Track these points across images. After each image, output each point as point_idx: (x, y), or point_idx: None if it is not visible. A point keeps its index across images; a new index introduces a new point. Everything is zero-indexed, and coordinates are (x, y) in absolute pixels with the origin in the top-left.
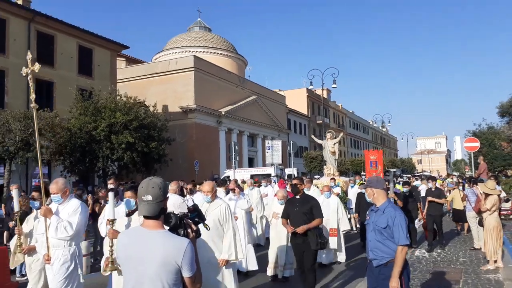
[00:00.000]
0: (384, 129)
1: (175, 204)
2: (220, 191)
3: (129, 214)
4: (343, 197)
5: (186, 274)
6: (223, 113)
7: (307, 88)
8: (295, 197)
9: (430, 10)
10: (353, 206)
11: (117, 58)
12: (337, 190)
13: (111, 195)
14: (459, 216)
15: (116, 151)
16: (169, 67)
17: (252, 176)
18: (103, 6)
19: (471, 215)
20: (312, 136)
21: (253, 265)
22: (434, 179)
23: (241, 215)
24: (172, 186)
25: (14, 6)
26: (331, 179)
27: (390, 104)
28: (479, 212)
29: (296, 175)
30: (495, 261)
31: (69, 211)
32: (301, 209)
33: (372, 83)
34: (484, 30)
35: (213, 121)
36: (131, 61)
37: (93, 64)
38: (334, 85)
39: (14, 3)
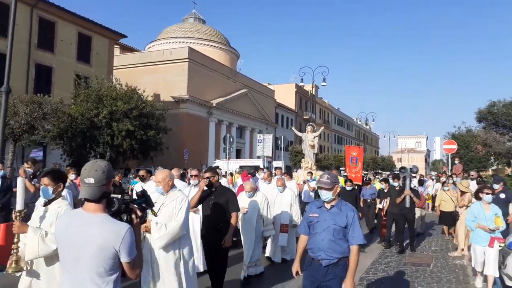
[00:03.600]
0: (367, 127)
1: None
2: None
3: (46, 203)
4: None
5: (124, 259)
6: (214, 105)
7: (296, 84)
8: (210, 191)
9: (415, 12)
10: None
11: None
12: (314, 184)
13: (20, 181)
14: (447, 219)
15: (116, 138)
16: (164, 57)
17: (241, 167)
18: None
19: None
20: (292, 128)
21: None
22: (398, 177)
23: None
24: (175, 172)
25: None
26: (308, 172)
27: (374, 103)
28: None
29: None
30: (462, 249)
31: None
32: (215, 202)
33: (359, 82)
34: (468, 34)
35: (204, 112)
36: (125, 49)
37: (91, 51)
38: (323, 83)
39: None
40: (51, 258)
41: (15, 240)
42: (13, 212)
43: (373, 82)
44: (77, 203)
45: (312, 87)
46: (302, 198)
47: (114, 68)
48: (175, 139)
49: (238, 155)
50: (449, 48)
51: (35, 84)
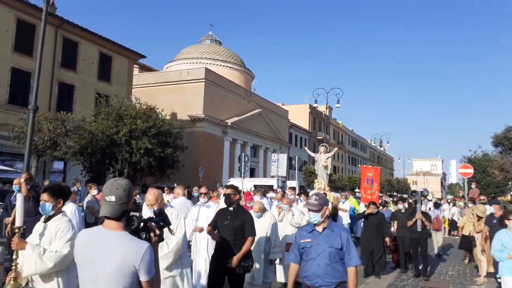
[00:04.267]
0: (381, 149)
1: (183, 206)
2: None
3: (46, 220)
4: (333, 213)
5: (143, 278)
6: (229, 124)
7: (310, 105)
8: (227, 209)
9: (431, 33)
10: (344, 222)
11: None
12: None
13: (19, 197)
14: (466, 243)
15: (135, 155)
16: (181, 77)
17: (255, 187)
18: (117, 13)
19: None
20: (305, 148)
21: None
22: (404, 200)
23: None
24: (178, 190)
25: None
26: (323, 193)
27: (389, 124)
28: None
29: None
30: (485, 276)
31: None
32: (231, 224)
33: (373, 103)
34: (487, 57)
35: (219, 131)
36: (144, 68)
37: (111, 70)
38: (338, 105)
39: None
40: (49, 275)
41: (14, 256)
42: (12, 228)
43: (388, 104)
44: (98, 219)
45: (326, 108)
46: None
47: (133, 87)
48: (191, 157)
49: (252, 174)
50: (466, 70)
51: (58, 101)
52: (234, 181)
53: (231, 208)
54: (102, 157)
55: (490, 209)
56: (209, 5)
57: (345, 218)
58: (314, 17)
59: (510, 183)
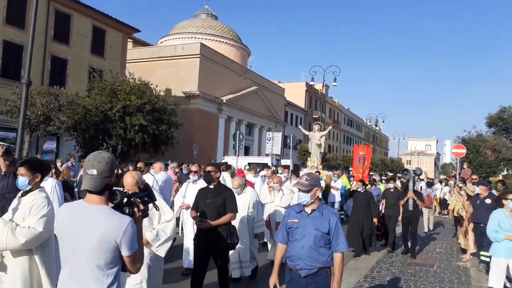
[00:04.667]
0: (377, 128)
1: (167, 183)
2: (226, 175)
3: (22, 194)
4: (325, 191)
5: (125, 252)
6: (224, 101)
7: (306, 82)
8: (208, 187)
9: (428, 15)
10: (336, 200)
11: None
12: (321, 183)
13: None
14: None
15: (129, 132)
16: (176, 52)
17: (250, 165)
18: None
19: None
20: (300, 127)
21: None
22: (394, 179)
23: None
24: (159, 165)
25: None
26: (316, 172)
27: (384, 103)
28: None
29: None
30: (471, 255)
31: None
32: (213, 202)
33: (370, 82)
34: (482, 40)
35: (214, 108)
36: (138, 43)
37: (105, 44)
38: (334, 83)
39: None
40: (22, 253)
41: None
42: None
43: (384, 83)
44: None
45: (323, 86)
46: None
47: (127, 61)
48: (185, 134)
49: (247, 152)
50: (462, 52)
51: (50, 75)
52: (228, 159)
53: (211, 186)
54: (96, 132)
55: (476, 189)
56: None
57: (337, 196)
58: None
59: (502, 163)
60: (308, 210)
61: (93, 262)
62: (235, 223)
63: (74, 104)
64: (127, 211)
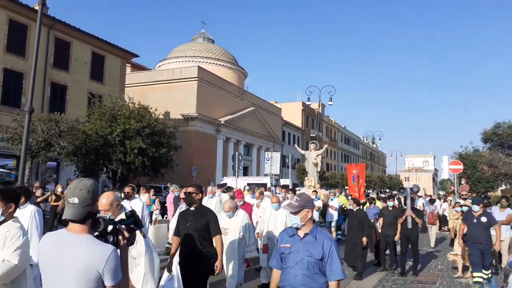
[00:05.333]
0: (374, 145)
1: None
2: (226, 197)
3: None
4: (323, 211)
5: (108, 283)
6: (222, 122)
7: (302, 102)
8: (189, 209)
9: (424, 29)
10: (333, 219)
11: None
12: (318, 203)
13: None
14: None
15: (129, 155)
16: (173, 76)
17: (249, 185)
18: (109, 13)
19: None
20: (295, 146)
21: None
22: (392, 197)
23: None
24: (127, 189)
25: (35, 13)
26: (313, 191)
27: (381, 121)
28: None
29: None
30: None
31: None
32: (194, 225)
33: (366, 100)
34: (476, 55)
35: (212, 130)
36: (136, 67)
37: (104, 70)
38: (330, 102)
39: (36, 11)
40: None
41: None
42: None
43: (380, 100)
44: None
45: (319, 106)
46: None
47: (125, 86)
48: (184, 156)
49: (246, 172)
50: (456, 68)
51: (50, 102)
52: (227, 180)
53: (192, 208)
54: (96, 157)
55: (474, 207)
56: (202, 3)
57: (334, 216)
58: (307, 16)
59: (499, 178)
60: (300, 233)
61: None
62: (226, 248)
63: (75, 130)
64: (111, 239)
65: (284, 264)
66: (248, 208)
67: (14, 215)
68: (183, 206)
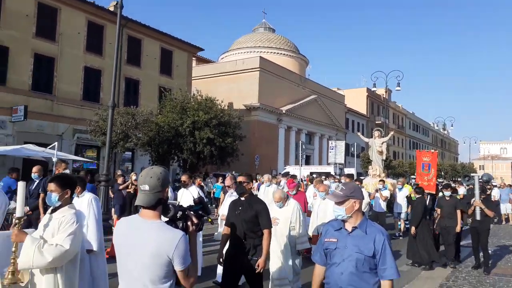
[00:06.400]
0: (445, 132)
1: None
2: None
3: (52, 211)
4: (390, 201)
5: (177, 267)
6: (284, 112)
7: (367, 88)
8: (239, 199)
9: (498, 7)
10: (403, 210)
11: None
12: (386, 193)
13: (20, 186)
14: None
15: (198, 145)
16: (236, 67)
17: (311, 174)
18: (171, 8)
19: None
20: (358, 134)
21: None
22: (449, 186)
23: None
24: (183, 177)
25: (110, 14)
26: (380, 180)
27: (453, 106)
28: None
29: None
30: None
31: None
32: (242, 215)
33: (436, 84)
34: None
35: (274, 119)
36: (200, 60)
37: (172, 64)
38: (398, 88)
39: (111, 12)
40: (49, 271)
41: (13, 249)
42: (13, 219)
43: (452, 84)
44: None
45: (385, 92)
46: (373, 207)
47: (192, 78)
48: (247, 145)
49: (308, 161)
50: None
51: (125, 96)
52: (290, 168)
53: (243, 198)
54: (168, 147)
55: None
56: None
57: (403, 206)
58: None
59: None
60: (348, 227)
61: (147, 276)
62: (276, 239)
63: (149, 122)
64: (180, 225)
65: (329, 260)
66: (301, 197)
67: (73, 202)
68: (233, 193)
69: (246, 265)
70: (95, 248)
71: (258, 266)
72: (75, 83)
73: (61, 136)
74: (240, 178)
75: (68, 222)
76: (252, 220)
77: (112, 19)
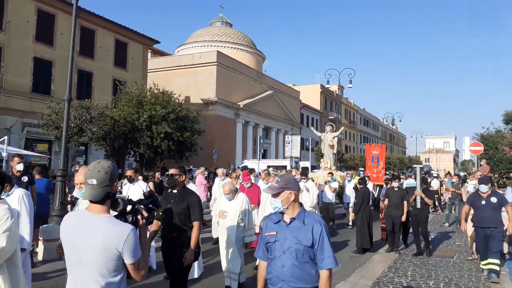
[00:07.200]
0: (393, 127)
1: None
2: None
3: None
4: (340, 192)
5: (127, 261)
6: (241, 106)
7: (321, 84)
8: (171, 192)
9: (442, 12)
10: (351, 200)
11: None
12: (335, 184)
13: None
14: None
15: (156, 140)
16: (193, 61)
17: (268, 167)
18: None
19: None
20: (311, 128)
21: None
22: (397, 177)
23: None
24: (128, 172)
25: (62, 3)
26: (329, 173)
27: (400, 103)
28: None
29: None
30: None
31: None
32: (174, 208)
33: (384, 82)
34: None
35: (232, 114)
36: (156, 53)
37: (127, 57)
38: (350, 85)
39: (63, 0)
40: None
41: None
42: None
43: (399, 81)
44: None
45: (338, 88)
46: (323, 199)
47: (147, 71)
48: (205, 139)
49: (265, 155)
50: (478, 48)
51: (78, 88)
52: (248, 163)
53: (175, 191)
54: (124, 141)
55: (481, 187)
56: None
57: (351, 196)
58: None
59: None
60: (287, 219)
61: (96, 271)
62: (226, 231)
63: (104, 116)
64: (130, 219)
65: (270, 255)
66: (255, 190)
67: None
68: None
69: (178, 259)
70: (26, 246)
71: (186, 259)
72: (24, 75)
73: (9, 130)
74: (172, 171)
75: (2, 218)
76: (184, 212)
77: (63, 8)
